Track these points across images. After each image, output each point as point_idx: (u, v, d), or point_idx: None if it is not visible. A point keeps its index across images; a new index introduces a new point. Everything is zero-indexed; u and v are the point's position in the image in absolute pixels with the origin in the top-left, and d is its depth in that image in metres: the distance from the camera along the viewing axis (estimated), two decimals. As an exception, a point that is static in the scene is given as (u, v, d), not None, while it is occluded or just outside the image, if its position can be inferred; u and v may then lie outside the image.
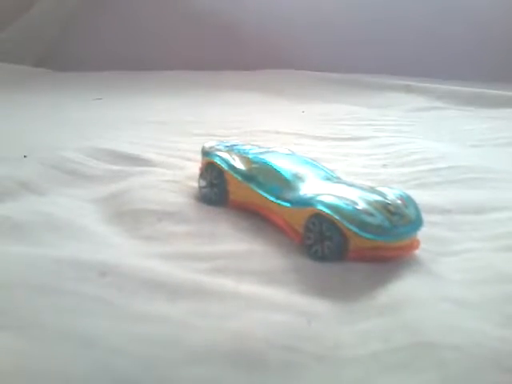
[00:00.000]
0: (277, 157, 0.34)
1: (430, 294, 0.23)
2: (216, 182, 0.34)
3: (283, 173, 0.31)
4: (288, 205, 0.30)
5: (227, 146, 0.37)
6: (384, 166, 0.46)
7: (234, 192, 0.34)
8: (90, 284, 0.23)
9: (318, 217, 0.27)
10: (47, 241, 0.27)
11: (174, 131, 0.57)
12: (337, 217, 0.26)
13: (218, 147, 0.36)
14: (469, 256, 0.28)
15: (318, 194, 0.28)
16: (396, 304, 0.23)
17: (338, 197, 0.28)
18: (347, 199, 0.27)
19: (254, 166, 0.33)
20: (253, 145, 0.38)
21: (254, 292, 0.23)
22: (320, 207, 0.27)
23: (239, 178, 0.33)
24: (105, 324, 0.20)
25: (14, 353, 0.18)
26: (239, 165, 0.34)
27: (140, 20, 1.30)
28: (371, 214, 0.27)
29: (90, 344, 0.19)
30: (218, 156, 0.35)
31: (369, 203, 0.28)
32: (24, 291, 0.22)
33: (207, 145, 0.37)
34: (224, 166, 0.34)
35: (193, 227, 0.31)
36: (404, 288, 0.24)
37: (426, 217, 0.30)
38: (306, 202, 0.28)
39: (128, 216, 0.32)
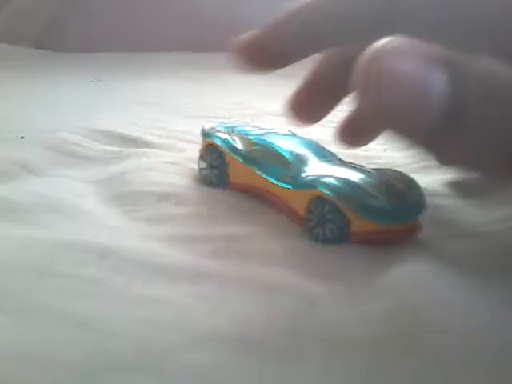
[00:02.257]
0: (278, 138, 0.33)
1: (432, 278, 0.23)
2: (216, 164, 0.34)
3: (285, 154, 0.31)
4: (289, 187, 0.29)
5: (228, 128, 0.36)
6: (385, 150, 0.45)
7: (234, 174, 0.33)
8: (88, 266, 0.23)
9: (320, 199, 0.27)
10: (45, 223, 0.27)
11: (173, 113, 0.57)
12: (339, 199, 0.26)
13: (218, 128, 0.36)
14: (472, 240, 0.28)
15: (321, 176, 0.28)
16: (398, 288, 0.22)
17: (341, 179, 0.27)
18: (350, 181, 0.27)
19: (254, 147, 0.32)
20: (254, 126, 0.37)
21: (255, 275, 0.23)
22: (322, 189, 0.27)
23: (240, 160, 0.32)
24: (103, 307, 0.20)
25: (10, 335, 0.18)
26: (240, 146, 0.33)
27: (139, 1, 1.29)
28: (374, 197, 0.26)
29: (88, 327, 0.19)
30: (219, 137, 0.34)
31: (372, 185, 0.27)
32: (21, 273, 0.22)
33: (207, 126, 0.36)
34: (224, 147, 0.33)
35: (193, 209, 0.30)
36: (406, 272, 0.24)
37: (428, 200, 0.30)
38: (308, 184, 0.28)
39: (127, 198, 0.31)
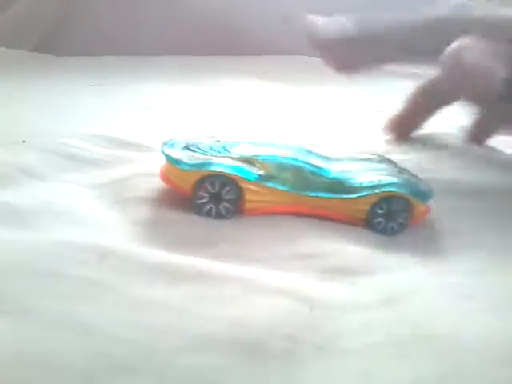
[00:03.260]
0: (272, 148, 0.32)
1: (433, 286, 0.23)
2: (223, 194, 0.30)
3: (306, 165, 0.31)
4: (352, 196, 0.30)
5: (200, 149, 0.31)
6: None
7: (252, 200, 0.30)
8: (89, 268, 0.23)
9: (387, 198, 0.30)
10: (47, 226, 0.27)
11: (173, 117, 0.57)
12: (406, 192, 0.30)
13: (197, 154, 0.31)
14: (475, 246, 0.28)
15: (378, 180, 0.30)
16: (399, 295, 0.22)
17: (392, 175, 0.31)
18: (400, 175, 0.31)
19: (266, 164, 0.30)
20: (213, 139, 0.34)
21: (256, 278, 0.23)
22: (391, 189, 0.30)
23: (265, 184, 0.30)
24: (104, 310, 0.20)
25: (12, 339, 0.18)
26: (249, 167, 0.30)
27: (140, 4, 1.29)
28: (421, 182, 0.31)
29: (88, 330, 0.19)
30: (220, 164, 0.30)
31: (403, 172, 0.32)
32: (23, 276, 0.22)
33: (181, 155, 0.31)
34: (237, 173, 0.30)
35: (193, 213, 0.30)
36: (407, 279, 0.24)
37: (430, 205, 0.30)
38: (373, 189, 0.30)
39: (128, 202, 0.31)
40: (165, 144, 0.32)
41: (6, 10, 1.27)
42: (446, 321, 0.20)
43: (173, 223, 0.29)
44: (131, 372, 0.17)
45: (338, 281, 0.24)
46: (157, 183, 0.33)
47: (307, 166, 0.31)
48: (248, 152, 0.31)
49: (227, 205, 0.30)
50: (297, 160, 0.31)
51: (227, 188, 0.30)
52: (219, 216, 0.30)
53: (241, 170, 0.30)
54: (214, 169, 0.29)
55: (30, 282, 0.21)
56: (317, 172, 0.31)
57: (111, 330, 0.19)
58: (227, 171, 0.29)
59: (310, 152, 0.33)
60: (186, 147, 0.32)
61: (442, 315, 0.21)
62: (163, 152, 0.31)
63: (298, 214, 0.30)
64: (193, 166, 0.30)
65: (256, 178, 0.30)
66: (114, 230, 0.28)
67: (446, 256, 0.27)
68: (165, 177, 0.31)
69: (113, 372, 0.17)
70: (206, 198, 0.30)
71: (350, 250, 0.27)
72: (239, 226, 0.29)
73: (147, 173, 0.35)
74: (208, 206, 0.30)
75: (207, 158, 0.30)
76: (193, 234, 0.28)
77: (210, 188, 0.30)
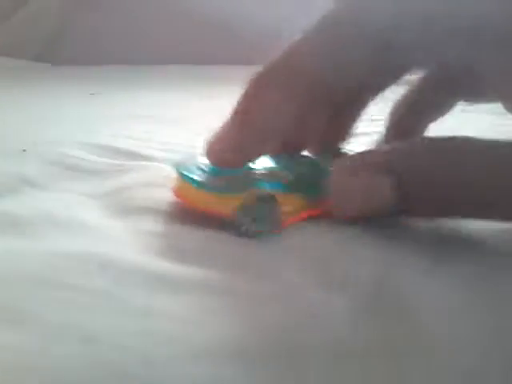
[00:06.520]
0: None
1: (434, 288, 0.23)
2: (265, 212, 0.28)
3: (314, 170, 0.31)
4: None
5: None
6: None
7: (284, 212, 0.29)
8: (90, 277, 0.23)
9: None
10: (47, 235, 0.27)
11: (172, 126, 0.57)
12: None
13: (219, 177, 0.29)
14: (471, 249, 0.28)
15: None
16: (396, 299, 0.23)
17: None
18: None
19: (286, 174, 0.30)
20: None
21: (255, 287, 0.23)
22: None
23: (291, 193, 0.29)
24: (105, 319, 0.20)
25: (11, 348, 0.18)
26: (277, 179, 0.29)
27: (138, 14, 1.30)
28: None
29: (89, 339, 0.19)
30: (258, 183, 0.29)
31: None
32: (23, 285, 0.22)
33: (211, 182, 0.29)
34: (275, 188, 0.29)
35: (195, 224, 0.30)
36: (405, 284, 0.24)
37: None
38: None
39: (129, 212, 0.31)
40: (179, 167, 0.30)
41: (7, 19, 1.28)
42: (446, 323, 0.21)
43: (174, 233, 0.29)
44: (131, 380, 0.17)
45: (335, 286, 0.24)
46: (157, 193, 0.33)
47: (315, 170, 0.31)
48: (267, 164, 0.30)
49: (269, 225, 0.28)
50: (305, 166, 0.31)
51: (267, 205, 0.28)
52: (256, 235, 0.28)
53: (278, 184, 0.29)
54: (254, 189, 0.28)
55: (30, 291, 0.21)
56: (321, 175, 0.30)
57: (111, 339, 0.19)
58: (267, 188, 0.29)
59: (308, 157, 0.33)
60: (202, 169, 0.30)
61: (442, 318, 0.21)
62: (191, 179, 0.29)
63: (316, 217, 0.30)
64: (231, 189, 0.28)
65: (285, 189, 0.29)
66: (115, 240, 0.28)
67: (447, 259, 0.27)
68: (189, 201, 0.30)
69: (113, 380, 0.17)
70: (248, 221, 0.28)
71: (349, 255, 0.27)
72: (240, 238, 0.29)
73: (148, 182, 0.35)
74: (252, 228, 0.28)
75: (240, 178, 0.29)
76: (194, 244, 0.28)
77: (254, 210, 0.28)
